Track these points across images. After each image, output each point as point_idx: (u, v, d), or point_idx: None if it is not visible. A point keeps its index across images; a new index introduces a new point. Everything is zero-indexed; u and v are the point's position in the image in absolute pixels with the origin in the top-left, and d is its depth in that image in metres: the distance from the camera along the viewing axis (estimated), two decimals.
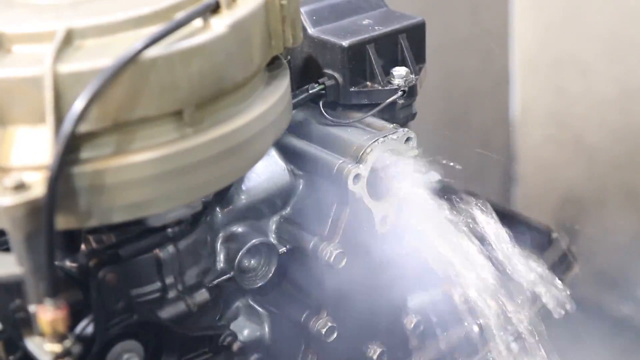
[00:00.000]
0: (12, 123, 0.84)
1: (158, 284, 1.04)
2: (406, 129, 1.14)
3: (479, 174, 2.37)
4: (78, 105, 0.80)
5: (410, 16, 1.24)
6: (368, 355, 1.21)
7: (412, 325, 1.23)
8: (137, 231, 0.98)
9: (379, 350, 1.21)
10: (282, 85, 1.01)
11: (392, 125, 1.15)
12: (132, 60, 0.82)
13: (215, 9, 0.92)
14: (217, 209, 1.11)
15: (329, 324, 1.14)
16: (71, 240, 1.00)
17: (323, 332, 1.14)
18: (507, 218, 1.48)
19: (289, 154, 1.16)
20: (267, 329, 1.20)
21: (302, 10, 1.21)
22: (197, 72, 0.87)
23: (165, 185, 0.88)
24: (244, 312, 1.20)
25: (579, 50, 2.26)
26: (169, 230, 0.98)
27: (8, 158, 0.83)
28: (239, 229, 1.13)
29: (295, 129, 1.19)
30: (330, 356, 1.17)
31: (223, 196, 1.12)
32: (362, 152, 1.10)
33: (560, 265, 1.37)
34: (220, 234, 1.11)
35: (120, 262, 0.94)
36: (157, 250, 1.03)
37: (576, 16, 2.19)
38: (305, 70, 1.21)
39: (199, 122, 0.90)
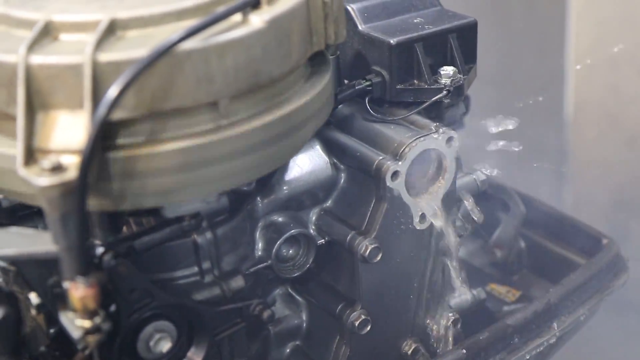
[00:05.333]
0: (54, 108, 0.88)
1: (195, 269, 1.08)
2: (448, 129, 1.15)
3: (530, 172, 2.34)
4: (112, 92, 0.83)
5: (462, 16, 1.24)
6: (403, 351, 1.22)
7: (449, 323, 1.24)
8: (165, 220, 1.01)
9: (414, 346, 1.22)
10: (322, 81, 1.03)
11: (435, 124, 1.16)
12: (166, 52, 0.85)
13: (255, 5, 0.94)
14: (258, 198, 1.14)
15: (363, 317, 1.16)
16: (114, 222, 1.05)
17: (356, 325, 1.15)
18: (558, 221, 1.47)
19: (332, 148, 1.18)
20: (304, 318, 1.23)
21: (354, 7, 1.23)
22: (233, 65, 0.90)
23: (197, 173, 0.91)
24: (283, 300, 1.23)
25: (635, 49, 2.21)
26: (185, 223, 1.00)
27: (48, 141, 0.87)
28: (279, 218, 1.15)
29: (341, 123, 1.21)
30: (364, 349, 1.19)
31: (265, 186, 1.14)
32: (402, 149, 1.12)
33: (609, 272, 1.35)
34: (260, 223, 1.14)
35: (135, 254, 0.97)
36: (194, 236, 1.06)
37: (633, 14, 2.14)
38: (355, 66, 1.23)
39: (234, 114, 0.93)
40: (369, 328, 1.16)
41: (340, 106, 1.22)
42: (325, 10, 1.02)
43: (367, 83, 1.19)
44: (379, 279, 1.16)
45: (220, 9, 0.92)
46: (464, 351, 1.15)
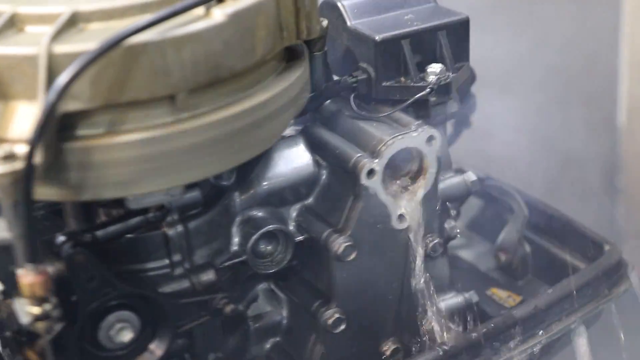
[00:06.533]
0: (13, 98, 0.89)
1: (166, 261, 1.08)
2: (429, 127, 1.13)
3: (579, 182, 2.28)
4: (61, 80, 0.84)
5: (455, 13, 1.22)
6: (382, 351, 1.21)
7: (430, 326, 1.22)
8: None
9: (394, 347, 1.21)
10: (291, 77, 1.02)
11: (417, 122, 1.14)
12: (117, 44, 0.85)
13: None
14: (236, 192, 1.14)
15: (337, 315, 1.15)
16: (87, 212, 1.07)
17: (329, 323, 1.15)
18: (560, 224, 1.44)
19: (315, 144, 1.18)
20: (285, 314, 1.22)
21: (345, 3, 1.22)
22: (190, 59, 0.90)
23: (156, 165, 0.92)
24: (266, 296, 1.23)
25: None
26: (150, 215, 1.01)
27: (6, 131, 0.89)
28: (258, 213, 1.15)
29: (326, 120, 1.20)
30: (340, 348, 1.18)
31: (244, 181, 1.14)
32: (379, 147, 1.10)
33: (609, 279, 1.31)
34: (238, 218, 1.14)
35: (97, 244, 0.98)
36: (165, 228, 1.07)
37: None
38: (344, 63, 1.22)
39: (193, 107, 0.93)
40: (343, 327, 1.15)
41: (327, 102, 1.21)
42: (296, 5, 1.01)
43: (353, 80, 1.18)
44: (355, 278, 1.15)
45: (182, 2, 0.92)
46: (440, 352, 1.14)
